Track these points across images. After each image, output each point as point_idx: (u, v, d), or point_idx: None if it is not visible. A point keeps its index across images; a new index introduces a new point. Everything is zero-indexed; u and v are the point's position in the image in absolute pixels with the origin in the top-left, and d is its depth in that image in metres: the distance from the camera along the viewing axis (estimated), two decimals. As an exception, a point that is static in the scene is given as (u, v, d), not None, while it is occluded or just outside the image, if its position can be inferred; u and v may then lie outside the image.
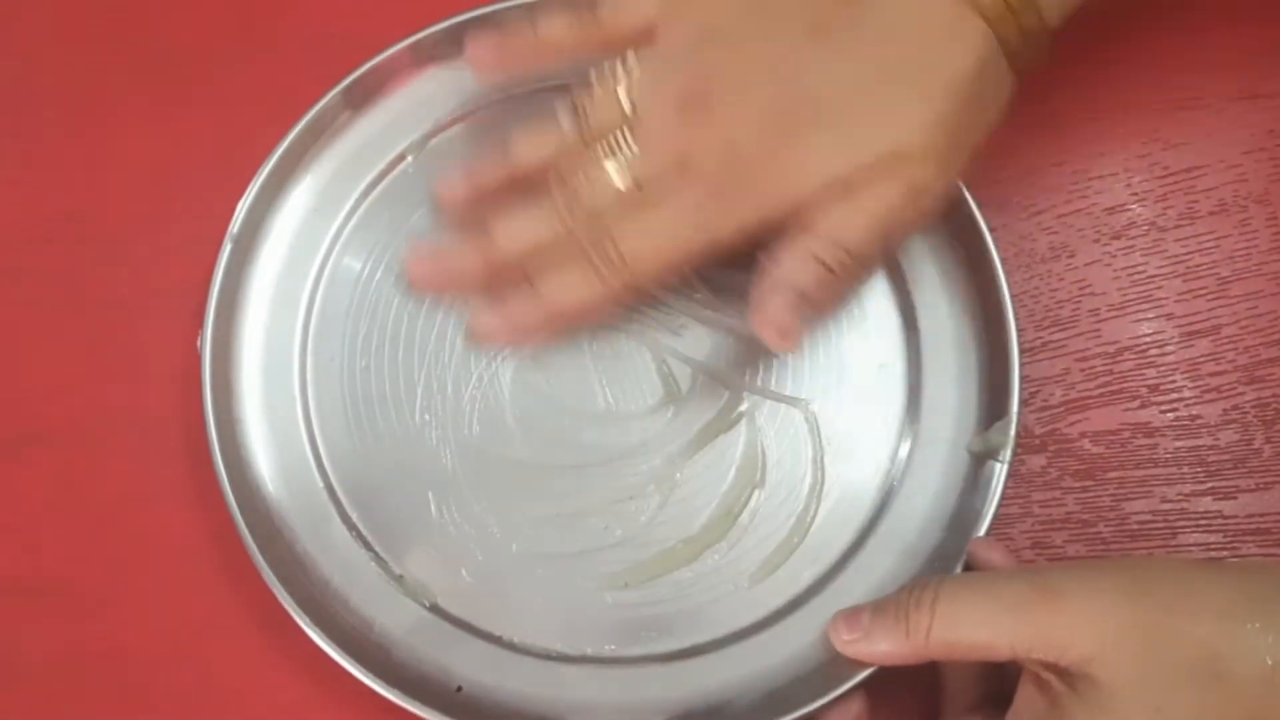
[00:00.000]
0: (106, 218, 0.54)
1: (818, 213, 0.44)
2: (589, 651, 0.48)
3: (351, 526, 0.49)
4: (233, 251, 0.51)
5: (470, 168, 0.49)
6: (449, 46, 0.54)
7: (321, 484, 0.50)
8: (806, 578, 0.49)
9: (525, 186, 0.48)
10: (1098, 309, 0.54)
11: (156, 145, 0.55)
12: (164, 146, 0.55)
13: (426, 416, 0.51)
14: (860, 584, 0.49)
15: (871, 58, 0.43)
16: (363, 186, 0.53)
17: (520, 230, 0.47)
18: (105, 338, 0.53)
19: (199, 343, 0.50)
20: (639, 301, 0.49)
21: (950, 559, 0.48)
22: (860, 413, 0.51)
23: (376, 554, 0.49)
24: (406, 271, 0.51)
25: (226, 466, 0.48)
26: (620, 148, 0.45)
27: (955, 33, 0.43)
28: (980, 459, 0.50)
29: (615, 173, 0.45)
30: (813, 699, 0.46)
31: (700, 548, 0.49)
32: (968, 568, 0.47)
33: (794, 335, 0.44)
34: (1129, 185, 0.55)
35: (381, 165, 0.54)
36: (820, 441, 0.51)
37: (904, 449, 0.51)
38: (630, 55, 0.46)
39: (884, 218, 0.44)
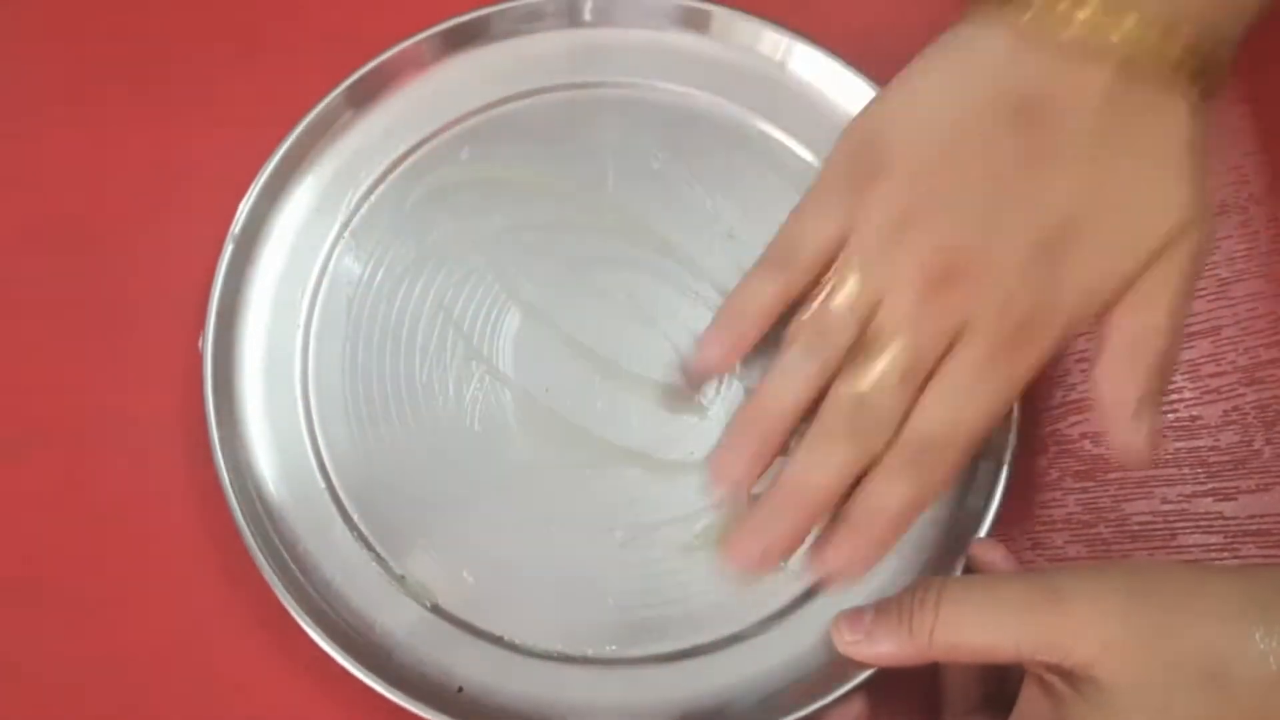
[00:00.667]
0: (107, 218, 0.54)
1: (1115, 311, 0.42)
2: (590, 653, 0.48)
3: (353, 527, 0.49)
4: (234, 252, 0.51)
5: (731, 447, 0.44)
6: (451, 48, 0.54)
7: (323, 484, 0.49)
8: (806, 579, 0.49)
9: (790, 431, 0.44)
10: (1098, 310, 0.53)
11: (157, 146, 0.55)
12: (165, 147, 0.55)
13: (428, 418, 0.50)
14: (861, 586, 0.48)
15: (1094, 160, 0.41)
16: (365, 187, 0.53)
17: (826, 472, 0.42)
18: (106, 338, 0.52)
19: (200, 343, 0.49)
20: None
21: (952, 561, 0.48)
22: None
23: (378, 554, 0.49)
24: (729, 557, 0.43)
25: (228, 467, 0.48)
26: (875, 350, 0.42)
27: (1154, 101, 0.41)
28: (980, 460, 0.49)
29: (891, 371, 0.42)
30: (814, 700, 0.45)
31: (704, 544, 0.49)
32: (968, 569, 0.47)
33: (1155, 443, 0.42)
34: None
35: (384, 166, 0.53)
36: None
37: None
38: (839, 264, 0.43)
39: (1183, 289, 0.42)
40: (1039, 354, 0.41)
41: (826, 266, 0.43)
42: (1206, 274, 0.53)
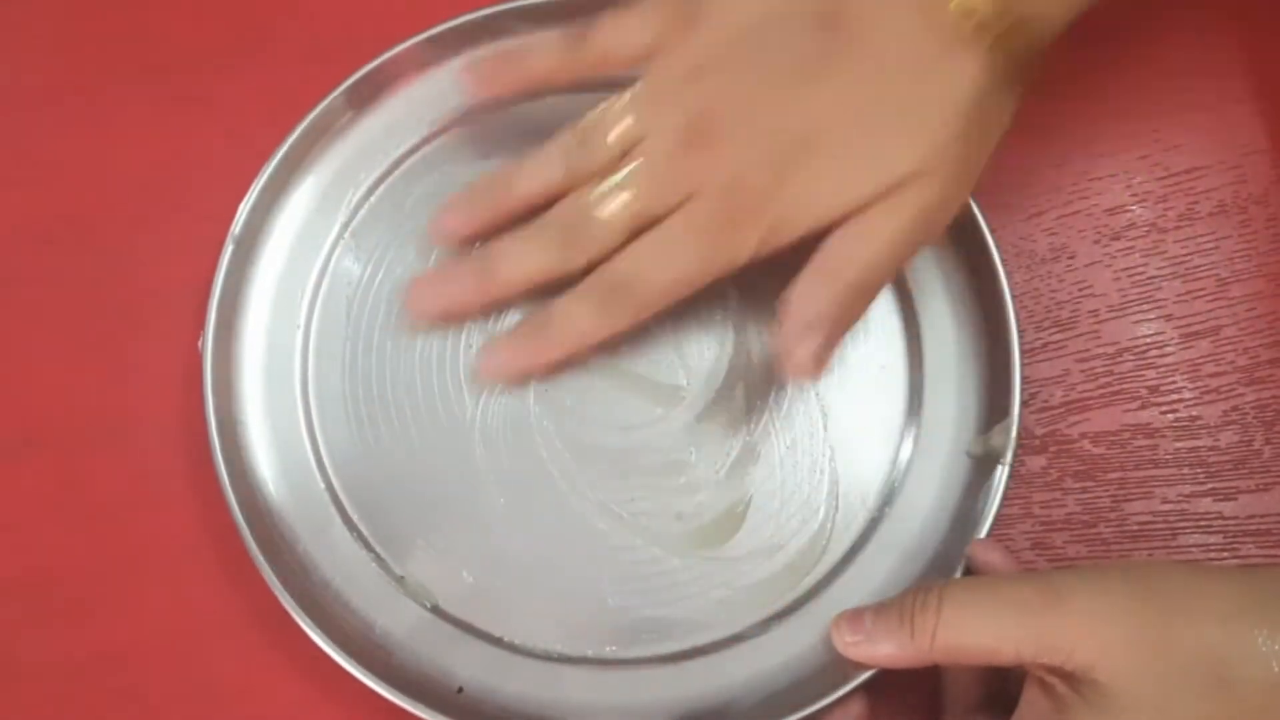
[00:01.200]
0: (107, 219, 0.53)
1: (830, 241, 0.43)
2: (590, 653, 0.47)
3: (352, 528, 0.48)
4: (234, 253, 0.50)
5: (467, 200, 0.48)
6: (451, 48, 0.53)
7: (323, 485, 0.49)
8: (807, 580, 0.48)
9: (525, 216, 0.47)
10: (1098, 310, 0.53)
11: (157, 146, 0.54)
12: (165, 147, 0.54)
13: (428, 418, 0.50)
14: (861, 586, 0.48)
15: (868, 91, 0.43)
16: (365, 188, 0.52)
17: (523, 262, 0.46)
18: (106, 339, 0.52)
19: (200, 344, 0.49)
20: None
21: (951, 561, 0.47)
22: (862, 415, 0.50)
23: (377, 555, 0.48)
24: (407, 301, 0.50)
25: (228, 467, 0.47)
26: (623, 174, 0.45)
27: (948, 61, 0.42)
28: (981, 462, 0.49)
29: (620, 204, 0.44)
30: (814, 700, 0.45)
31: (704, 544, 0.48)
32: (968, 570, 0.46)
33: (821, 366, 0.44)
34: (1129, 186, 0.54)
35: (385, 166, 0.53)
36: (823, 445, 0.50)
37: (905, 451, 0.50)
38: (630, 90, 0.45)
39: (897, 241, 0.43)
40: (741, 240, 0.44)
41: (620, 70, 0.46)
42: (1206, 274, 0.53)
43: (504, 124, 0.53)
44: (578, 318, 0.46)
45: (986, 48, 0.42)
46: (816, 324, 0.43)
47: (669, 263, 0.44)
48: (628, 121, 0.45)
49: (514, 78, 0.48)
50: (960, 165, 0.43)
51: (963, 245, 0.51)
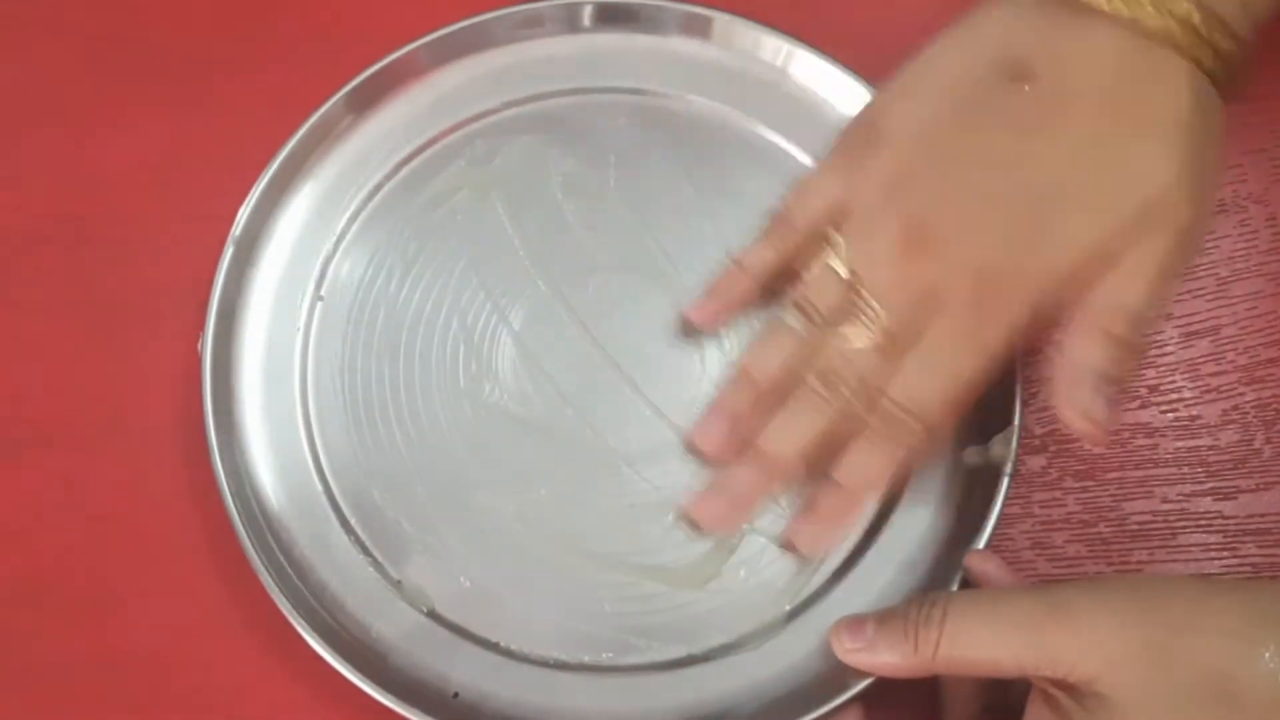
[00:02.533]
0: (108, 219, 0.52)
1: (1093, 287, 0.41)
2: (586, 660, 0.46)
3: (350, 531, 0.47)
4: (234, 255, 0.49)
5: (717, 404, 0.47)
6: (453, 53, 0.52)
7: (320, 488, 0.48)
8: (806, 589, 0.47)
9: (773, 399, 0.45)
10: (1100, 309, 0.51)
11: (158, 147, 0.53)
12: (166, 148, 0.53)
13: (427, 422, 0.48)
14: (860, 595, 0.46)
15: (1087, 125, 0.41)
16: (365, 192, 0.51)
17: (797, 432, 0.44)
18: (106, 340, 0.51)
19: (199, 346, 0.47)
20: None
21: (951, 569, 0.45)
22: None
23: (375, 559, 0.47)
24: (699, 516, 0.47)
25: (225, 470, 0.46)
26: (858, 313, 0.43)
27: (1162, 75, 0.40)
28: (980, 471, 0.47)
29: (862, 334, 0.43)
30: (811, 709, 0.43)
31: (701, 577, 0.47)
32: (965, 581, 0.45)
33: (1106, 421, 0.41)
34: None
35: (386, 169, 0.52)
36: None
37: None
38: (831, 232, 0.44)
39: (1161, 271, 0.41)
40: (1010, 319, 0.41)
41: (825, 236, 0.44)
42: (1205, 273, 0.52)
43: (504, 129, 0.52)
44: (867, 464, 0.44)
45: (1191, 55, 0.40)
46: (1098, 385, 0.41)
47: (942, 376, 0.42)
48: (844, 255, 0.43)
49: (740, 298, 0.47)
50: (1197, 180, 0.41)
51: None
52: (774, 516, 0.47)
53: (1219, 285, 0.51)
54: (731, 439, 0.46)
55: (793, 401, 0.44)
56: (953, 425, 0.44)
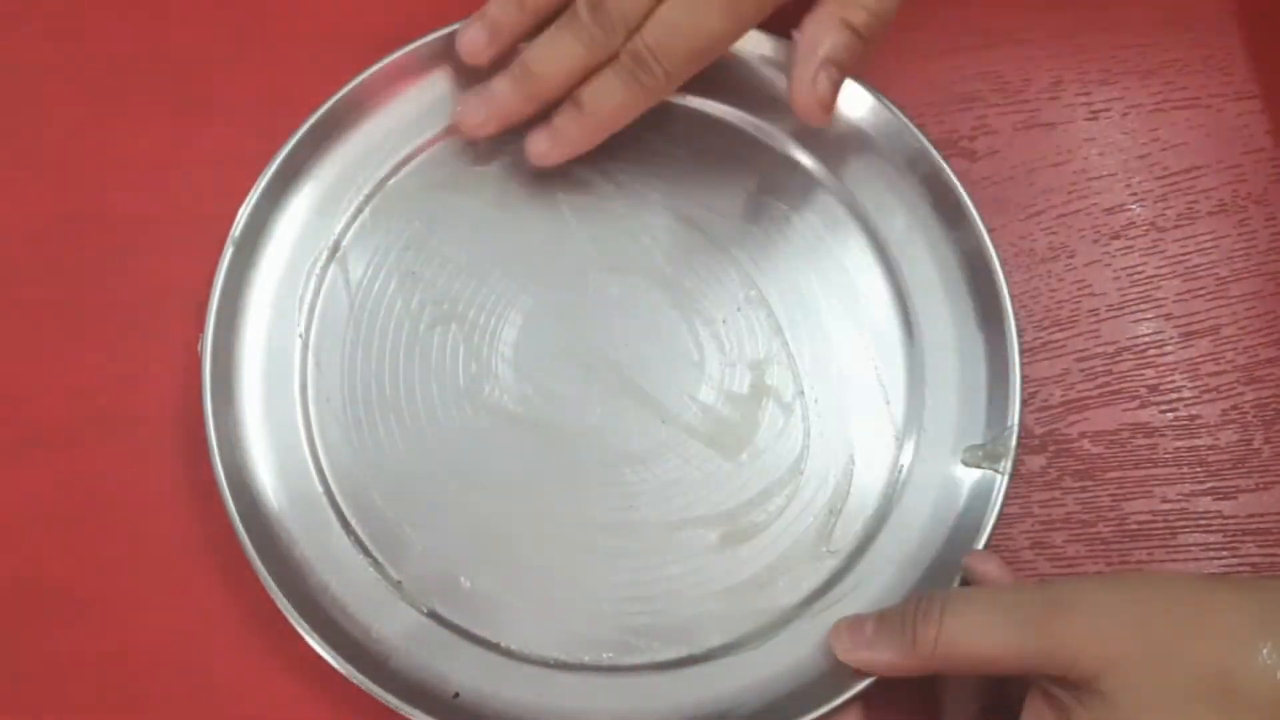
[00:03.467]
0: (107, 219, 0.51)
1: None
2: (587, 660, 0.45)
3: (350, 532, 0.46)
4: (234, 255, 0.48)
5: (481, 22, 0.48)
6: (453, 51, 0.51)
7: (321, 489, 0.47)
8: (805, 588, 0.46)
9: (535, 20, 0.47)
10: (1097, 309, 0.50)
11: (158, 146, 0.52)
12: (166, 148, 0.52)
13: (427, 423, 0.47)
14: (860, 595, 0.46)
15: None
16: (366, 190, 0.50)
17: (560, 56, 0.46)
18: (105, 340, 0.50)
19: (199, 346, 0.47)
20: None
21: (950, 569, 0.45)
22: (860, 421, 0.48)
23: (375, 559, 0.46)
24: (458, 121, 0.49)
25: (225, 470, 0.45)
26: None
27: None
28: (979, 471, 0.46)
29: None
30: (811, 709, 0.43)
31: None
32: (964, 581, 0.44)
33: (831, 106, 0.44)
34: (1128, 185, 0.52)
35: (386, 169, 0.50)
36: (816, 448, 0.48)
37: (905, 457, 0.47)
38: None
39: None
40: None
41: None
42: (1205, 273, 0.51)
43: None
44: (609, 94, 0.46)
45: None
46: (822, 58, 0.43)
47: (695, 24, 0.44)
48: None
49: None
50: None
51: (961, 246, 0.49)
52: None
53: (1218, 285, 0.51)
54: (490, 45, 0.48)
55: (558, 26, 0.46)
56: (690, 77, 0.46)
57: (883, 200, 0.50)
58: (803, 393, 0.48)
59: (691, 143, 0.51)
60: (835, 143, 0.50)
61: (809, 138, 0.51)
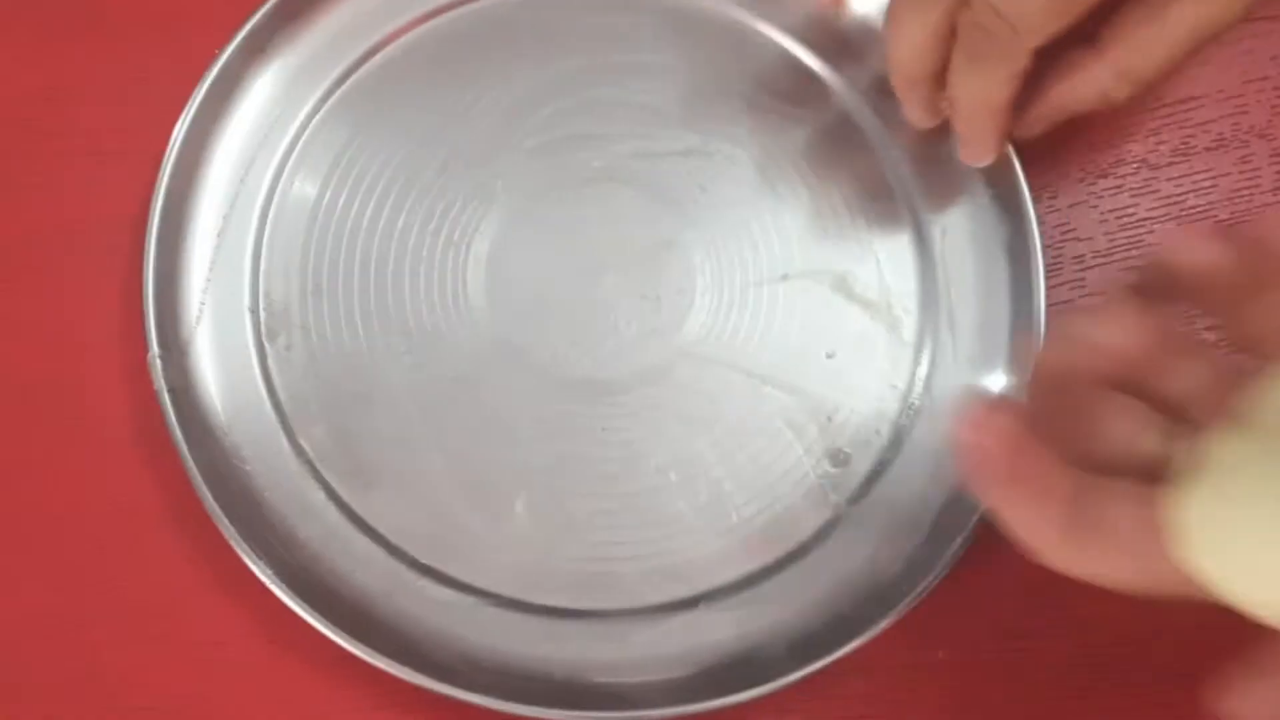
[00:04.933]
0: (23, 152, 0.47)
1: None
2: (600, 606, 0.43)
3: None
4: (169, 186, 0.44)
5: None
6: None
7: (279, 424, 0.44)
8: (809, 527, 0.44)
9: None
10: (1082, 255, 0.47)
11: (80, 66, 0.48)
12: (90, 66, 0.48)
13: (393, 355, 0.45)
14: (873, 524, 0.44)
15: None
16: (310, 105, 0.47)
17: (998, 88, 0.42)
18: (27, 297, 0.46)
19: (143, 280, 0.43)
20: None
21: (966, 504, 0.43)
22: (871, 358, 0.46)
23: (349, 510, 0.44)
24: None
25: (181, 423, 0.42)
26: None
27: None
28: None
29: None
30: (839, 644, 0.41)
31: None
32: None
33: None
34: (1115, 117, 0.48)
35: (331, 79, 0.47)
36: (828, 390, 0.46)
37: (916, 392, 0.45)
38: None
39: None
40: None
41: None
42: (1203, 215, 0.48)
43: (458, 28, 0.48)
44: (975, 81, 0.42)
45: None
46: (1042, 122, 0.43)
47: None
48: None
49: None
50: None
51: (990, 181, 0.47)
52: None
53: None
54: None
55: (965, 55, 0.41)
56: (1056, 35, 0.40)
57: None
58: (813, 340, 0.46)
59: (674, 29, 0.48)
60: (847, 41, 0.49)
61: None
